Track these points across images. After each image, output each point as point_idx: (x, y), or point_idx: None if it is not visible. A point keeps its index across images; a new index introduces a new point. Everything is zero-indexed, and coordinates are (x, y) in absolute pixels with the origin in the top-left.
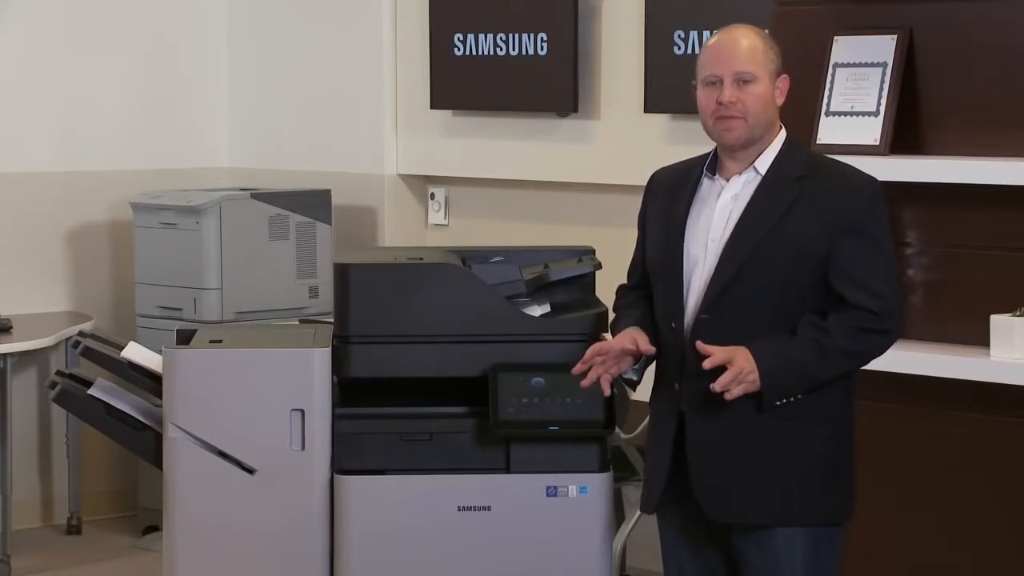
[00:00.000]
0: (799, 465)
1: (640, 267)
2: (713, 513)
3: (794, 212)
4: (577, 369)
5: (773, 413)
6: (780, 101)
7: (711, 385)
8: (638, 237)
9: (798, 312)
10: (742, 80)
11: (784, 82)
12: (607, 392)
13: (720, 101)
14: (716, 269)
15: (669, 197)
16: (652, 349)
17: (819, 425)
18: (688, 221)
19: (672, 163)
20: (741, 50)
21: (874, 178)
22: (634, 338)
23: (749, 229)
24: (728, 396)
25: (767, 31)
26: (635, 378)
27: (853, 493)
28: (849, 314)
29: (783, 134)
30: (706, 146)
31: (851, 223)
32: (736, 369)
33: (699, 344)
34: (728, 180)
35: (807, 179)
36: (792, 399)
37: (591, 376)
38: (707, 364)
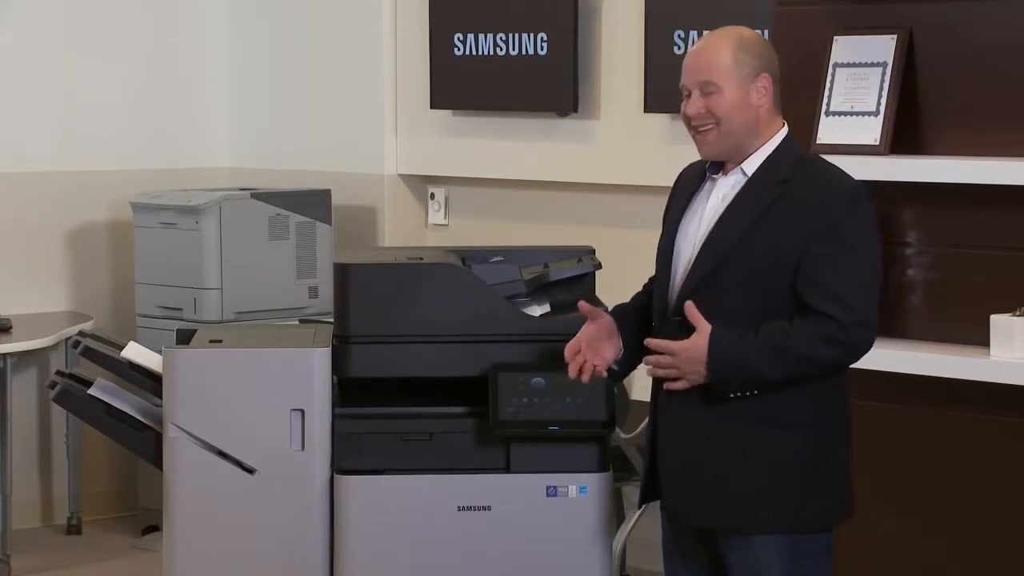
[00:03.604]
0: (770, 471)
1: None
2: (684, 516)
3: (772, 215)
4: (572, 372)
5: (743, 419)
6: (763, 101)
7: (645, 364)
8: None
9: (779, 318)
10: (705, 91)
11: (764, 80)
12: (603, 374)
13: (686, 113)
14: (691, 270)
15: (680, 194)
16: (593, 308)
17: (794, 431)
18: (683, 220)
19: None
20: (702, 61)
21: (856, 182)
22: (587, 324)
23: (725, 231)
24: (669, 386)
25: (758, 30)
26: (616, 368)
27: (843, 499)
28: (813, 320)
29: (782, 134)
30: None
31: (825, 227)
32: (675, 361)
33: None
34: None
35: (791, 181)
36: (747, 394)
37: (587, 369)
38: (650, 361)
